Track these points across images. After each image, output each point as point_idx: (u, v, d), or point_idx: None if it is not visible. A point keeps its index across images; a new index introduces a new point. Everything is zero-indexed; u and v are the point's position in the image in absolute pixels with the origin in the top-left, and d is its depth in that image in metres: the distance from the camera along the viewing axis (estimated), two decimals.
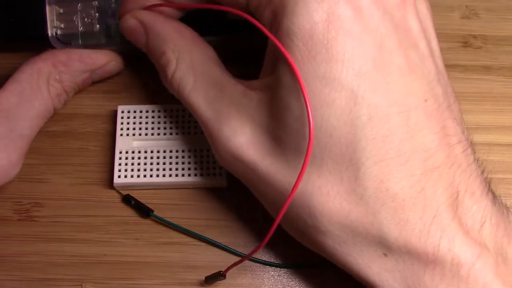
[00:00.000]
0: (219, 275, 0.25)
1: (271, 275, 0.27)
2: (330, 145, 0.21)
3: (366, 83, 0.21)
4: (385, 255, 0.22)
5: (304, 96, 0.21)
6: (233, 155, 0.24)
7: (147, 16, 0.27)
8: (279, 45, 0.21)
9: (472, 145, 0.23)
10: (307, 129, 0.21)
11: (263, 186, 0.24)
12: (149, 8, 0.27)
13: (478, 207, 0.22)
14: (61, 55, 0.28)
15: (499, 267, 0.21)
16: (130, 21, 0.27)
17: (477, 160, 0.23)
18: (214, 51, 0.26)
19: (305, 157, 0.21)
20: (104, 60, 0.29)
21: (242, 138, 0.23)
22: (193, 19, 0.27)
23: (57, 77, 0.28)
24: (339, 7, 0.21)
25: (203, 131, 0.26)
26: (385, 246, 0.22)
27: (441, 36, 0.31)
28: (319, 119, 0.21)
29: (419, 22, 0.23)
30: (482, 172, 0.23)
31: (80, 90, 0.30)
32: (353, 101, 0.21)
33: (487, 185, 0.23)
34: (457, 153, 0.22)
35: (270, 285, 0.27)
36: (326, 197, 0.22)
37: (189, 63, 0.25)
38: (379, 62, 0.21)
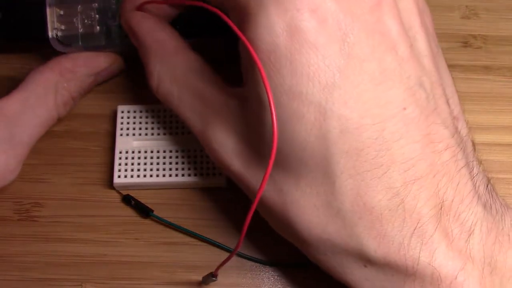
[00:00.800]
0: (211, 276, 0.25)
1: (271, 275, 0.27)
2: (305, 159, 0.21)
3: (334, 96, 0.20)
4: (365, 266, 0.22)
5: (270, 106, 0.20)
6: (221, 164, 0.24)
7: (134, 22, 0.27)
8: (254, 55, 0.20)
9: (465, 146, 0.23)
10: (280, 142, 0.21)
11: (251, 194, 0.24)
12: (141, 7, 0.27)
13: (466, 215, 0.21)
14: (67, 62, 0.28)
15: (485, 278, 0.21)
16: (122, 21, 0.27)
17: (472, 162, 0.23)
18: (199, 59, 0.26)
19: (268, 165, 0.20)
20: (107, 62, 0.29)
21: (227, 150, 0.24)
22: (187, 20, 0.27)
23: (65, 85, 0.28)
24: (302, 19, 0.20)
25: None
26: (364, 258, 0.21)
27: (441, 36, 0.31)
28: (290, 133, 0.21)
29: (399, 23, 0.21)
30: (477, 174, 0.22)
31: (85, 94, 0.30)
32: (322, 115, 0.20)
33: (486, 186, 0.23)
34: (444, 160, 0.21)
35: (270, 285, 0.27)
36: (303, 209, 0.22)
37: (172, 77, 0.25)
38: (347, 73, 0.20)
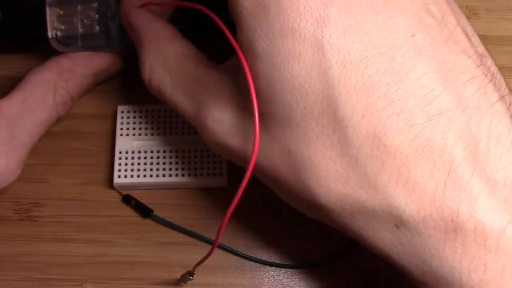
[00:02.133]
0: (188, 275, 0.25)
1: (271, 275, 0.27)
2: (310, 106, 0.19)
3: (330, 28, 0.18)
4: (397, 226, 0.19)
5: (240, 58, 0.19)
6: (221, 145, 0.23)
7: (133, 16, 0.26)
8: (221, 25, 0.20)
9: (497, 80, 0.20)
10: (279, 91, 0.19)
11: (254, 168, 0.22)
12: (144, 5, 0.27)
13: (508, 158, 0.18)
14: (66, 62, 0.28)
15: None
16: (123, 20, 0.27)
17: (508, 97, 0.20)
18: (191, 45, 0.25)
19: (254, 119, 0.19)
20: (106, 62, 0.29)
21: (225, 126, 0.22)
22: (187, 21, 0.27)
23: (64, 84, 0.28)
24: None
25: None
26: (395, 216, 0.19)
27: None
28: (289, 77, 0.19)
29: None
30: (509, 108, 0.19)
31: (84, 94, 0.30)
32: (320, 50, 0.18)
33: None
34: (471, 92, 0.19)
35: (270, 285, 0.27)
36: (318, 167, 0.19)
37: (164, 65, 0.25)
38: (342, 3, 0.18)
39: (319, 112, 0.19)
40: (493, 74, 0.20)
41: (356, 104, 0.18)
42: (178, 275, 0.27)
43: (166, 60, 0.25)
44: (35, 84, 0.27)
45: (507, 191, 0.18)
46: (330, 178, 0.19)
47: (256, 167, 0.21)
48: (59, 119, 0.29)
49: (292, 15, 0.18)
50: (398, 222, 0.19)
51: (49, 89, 0.27)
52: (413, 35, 0.19)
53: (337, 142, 0.19)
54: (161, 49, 0.25)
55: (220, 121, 0.22)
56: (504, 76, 0.31)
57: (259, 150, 0.21)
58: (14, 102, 0.27)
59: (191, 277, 0.25)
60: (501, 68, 0.32)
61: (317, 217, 0.22)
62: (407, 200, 0.18)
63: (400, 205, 0.19)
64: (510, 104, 0.19)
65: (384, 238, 0.19)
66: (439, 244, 0.18)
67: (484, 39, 0.32)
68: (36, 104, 0.27)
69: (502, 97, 0.19)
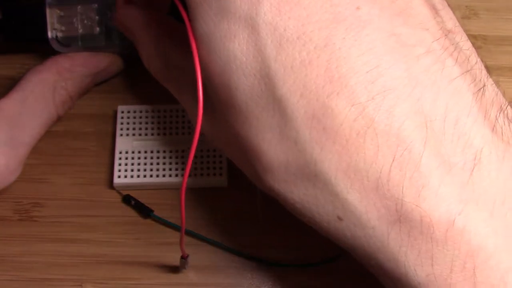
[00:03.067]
0: (182, 259, 0.25)
1: (271, 275, 0.27)
2: (249, 87, 0.18)
3: (265, 5, 0.17)
4: (340, 219, 0.18)
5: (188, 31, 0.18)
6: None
7: (124, 15, 0.26)
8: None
9: (464, 57, 0.18)
10: (219, 74, 0.18)
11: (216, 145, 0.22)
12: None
13: (467, 139, 0.16)
14: (65, 62, 0.28)
15: (497, 222, 0.16)
16: (117, 22, 0.27)
17: (479, 77, 0.18)
18: (172, 26, 0.24)
19: (198, 98, 0.18)
20: (106, 62, 0.29)
21: (193, 113, 0.21)
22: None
23: (63, 84, 0.28)
24: None
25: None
26: (337, 206, 0.17)
27: None
28: (226, 59, 0.18)
29: None
30: (483, 88, 0.18)
31: (84, 94, 0.30)
32: (255, 29, 0.17)
33: (499, 109, 0.18)
34: (424, 67, 0.17)
35: (270, 285, 0.27)
36: (261, 151, 0.18)
37: (156, 53, 0.24)
38: None
39: (257, 94, 0.18)
40: (457, 49, 0.18)
41: (294, 83, 0.17)
42: (178, 275, 0.27)
43: (158, 49, 0.24)
44: (34, 84, 0.27)
45: (464, 177, 0.16)
46: (272, 163, 0.18)
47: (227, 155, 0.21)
48: (59, 119, 0.29)
49: None
50: (341, 213, 0.17)
51: (49, 89, 0.27)
52: (358, 8, 0.17)
53: (277, 124, 0.18)
54: (153, 40, 0.24)
55: (190, 103, 0.22)
56: (504, 76, 0.32)
57: (220, 137, 0.20)
58: (13, 102, 0.27)
59: (185, 260, 0.25)
60: (501, 68, 0.32)
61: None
62: (348, 189, 0.17)
63: (342, 194, 0.17)
64: (475, 80, 0.17)
65: (331, 230, 0.18)
66: (383, 237, 0.17)
67: (484, 39, 0.32)
68: (36, 103, 0.27)
69: (465, 72, 0.17)
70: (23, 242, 0.27)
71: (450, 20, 0.19)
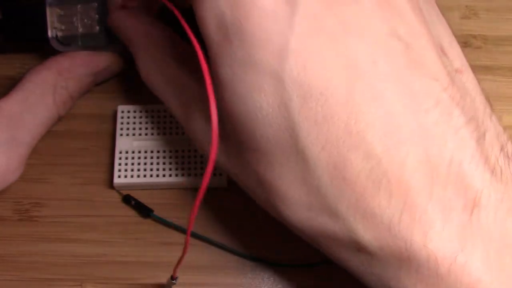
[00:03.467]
0: (171, 280, 0.24)
1: (271, 275, 0.27)
2: (273, 136, 0.19)
3: (290, 62, 0.18)
4: (359, 250, 0.19)
5: (206, 83, 0.19)
6: (205, 153, 0.24)
7: (118, 21, 0.27)
8: (194, 41, 0.20)
9: (469, 100, 0.20)
10: (244, 122, 0.19)
11: (240, 185, 0.23)
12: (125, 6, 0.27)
13: (468, 182, 0.18)
14: (65, 62, 0.28)
15: (492, 258, 0.18)
16: (112, 27, 0.27)
17: (482, 119, 0.20)
18: (184, 47, 0.25)
19: (211, 147, 0.19)
20: (106, 62, 0.29)
21: (207, 138, 0.22)
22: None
23: (63, 84, 0.28)
24: None
25: None
26: (355, 241, 0.19)
27: None
28: (251, 108, 0.19)
29: None
30: (486, 132, 0.19)
31: (84, 94, 0.30)
32: (281, 84, 0.18)
33: (500, 149, 0.19)
34: (435, 119, 0.19)
35: (270, 285, 0.27)
36: (284, 192, 0.20)
37: (156, 68, 0.25)
38: (302, 35, 0.18)
39: (281, 142, 0.19)
40: (464, 93, 0.20)
41: (317, 136, 0.19)
42: (178, 275, 0.27)
43: (157, 63, 0.25)
44: (35, 84, 0.27)
45: (465, 218, 0.18)
46: (295, 203, 0.20)
47: (238, 184, 0.23)
48: (59, 119, 0.29)
49: (254, 48, 0.19)
50: (358, 246, 0.19)
51: (49, 89, 0.27)
52: (375, 62, 0.19)
53: (300, 170, 0.19)
54: (153, 53, 0.25)
55: (202, 131, 0.23)
56: (504, 76, 0.32)
57: (236, 171, 0.22)
58: (14, 102, 0.27)
59: (174, 281, 0.24)
60: (501, 68, 0.32)
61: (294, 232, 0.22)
62: (365, 229, 0.19)
63: (359, 233, 0.19)
64: (478, 126, 0.19)
65: (348, 260, 0.20)
66: (396, 270, 0.19)
67: (484, 39, 0.32)
68: (36, 103, 0.27)
69: (470, 120, 0.19)
70: (23, 242, 0.27)
71: (458, 58, 0.21)
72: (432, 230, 0.18)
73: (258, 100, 0.19)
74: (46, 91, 0.27)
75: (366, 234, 0.19)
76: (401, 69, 0.19)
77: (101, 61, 0.29)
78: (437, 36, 0.21)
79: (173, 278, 0.24)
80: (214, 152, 0.19)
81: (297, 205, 0.20)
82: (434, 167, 0.18)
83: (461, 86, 0.20)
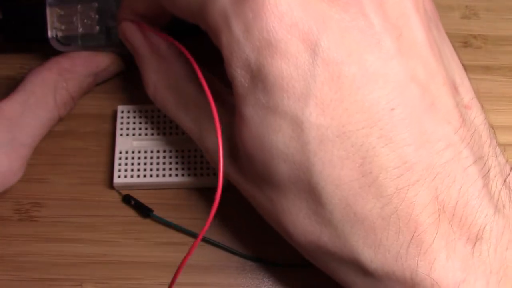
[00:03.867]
0: None
1: (271, 275, 0.27)
2: (287, 172, 0.20)
3: (310, 106, 0.19)
4: (365, 275, 0.21)
5: (211, 104, 0.21)
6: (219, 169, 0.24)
7: (128, 32, 0.27)
8: (201, 77, 0.22)
9: (477, 138, 0.21)
10: (254, 155, 0.21)
11: (251, 202, 0.24)
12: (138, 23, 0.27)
13: (473, 219, 0.20)
14: (65, 62, 0.28)
15: (489, 285, 0.19)
16: (120, 35, 0.27)
17: (487, 156, 0.21)
18: (189, 65, 0.25)
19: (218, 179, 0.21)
20: (106, 62, 0.29)
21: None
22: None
23: (64, 84, 0.28)
24: (269, 31, 0.19)
25: None
26: (362, 268, 0.21)
27: None
28: (269, 147, 0.20)
29: (381, 14, 0.20)
30: (491, 168, 0.21)
31: (85, 94, 0.30)
32: (299, 126, 0.20)
33: (503, 181, 0.21)
34: (446, 160, 0.20)
35: (270, 285, 0.27)
36: (296, 218, 0.21)
37: (166, 85, 0.26)
38: (322, 80, 0.19)
39: (295, 178, 0.20)
40: (473, 132, 0.21)
41: (330, 175, 0.20)
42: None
43: (168, 80, 0.25)
44: (35, 85, 0.27)
45: (467, 251, 0.20)
46: (306, 231, 0.21)
47: (251, 201, 0.24)
48: (60, 120, 0.29)
49: (276, 93, 0.20)
50: (365, 272, 0.21)
51: (50, 90, 0.28)
52: (392, 109, 0.19)
53: (312, 203, 0.20)
54: (162, 69, 0.26)
55: (215, 148, 0.23)
56: (504, 76, 0.32)
57: (250, 188, 0.23)
58: (15, 103, 0.27)
59: None
60: (501, 68, 0.32)
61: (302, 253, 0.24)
62: (372, 258, 0.20)
63: (366, 261, 0.20)
64: (485, 164, 0.21)
65: (354, 283, 0.21)
66: None
67: (484, 39, 0.32)
68: (37, 104, 0.27)
69: (477, 160, 0.20)
70: (23, 242, 0.27)
71: (468, 93, 0.22)
72: (436, 261, 0.19)
73: (276, 140, 0.20)
74: (47, 92, 0.27)
75: (373, 263, 0.20)
76: (417, 113, 0.20)
77: (101, 61, 0.29)
78: (451, 72, 0.22)
79: None
80: (221, 172, 0.21)
81: (307, 233, 0.21)
82: (441, 205, 0.20)
83: (470, 124, 0.21)
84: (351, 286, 0.22)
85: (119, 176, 0.28)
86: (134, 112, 0.29)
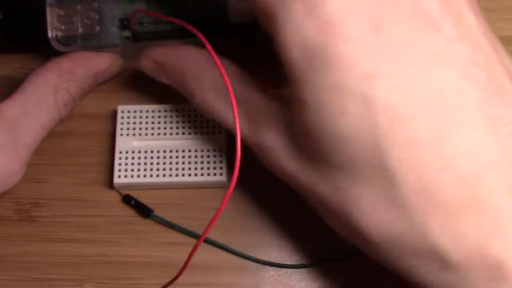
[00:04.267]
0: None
1: (271, 275, 0.27)
2: (357, 156, 0.20)
3: (378, 86, 0.19)
4: (442, 269, 0.20)
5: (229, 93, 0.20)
6: (276, 169, 0.24)
7: (160, 54, 0.27)
8: (218, 63, 0.21)
9: None
10: (322, 142, 0.20)
11: (311, 197, 0.23)
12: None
13: None
14: (66, 63, 0.28)
15: None
16: (146, 63, 0.27)
17: None
18: (235, 65, 0.26)
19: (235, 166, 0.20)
20: (107, 62, 0.29)
21: (278, 152, 0.23)
22: (193, 21, 0.28)
23: (65, 85, 0.28)
24: (331, 12, 0.19)
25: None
26: (440, 260, 0.19)
27: None
28: (336, 130, 0.20)
29: (439, 0, 0.20)
30: None
31: (86, 94, 0.30)
32: (368, 107, 0.19)
33: None
34: None
35: (270, 285, 0.27)
36: (366, 207, 0.20)
37: (213, 90, 0.25)
38: (389, 60, 0.19)
39: (366, 162, 0.20)
40: None
41: (403, 158, 0.19)
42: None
43: (214, 86, 0.25)
44: (36, 86, 0.27)
45: None
46: (377, 220, 0.20)
47: (308, 198, 0.23)
48: (61, 121, 0.29)
49: (340, 72, 0.19)
50: (443, 265, 0.19)
51: (50, 91, 0.28)
52: (461, 92, 0.19)
53: (385, 188, 0.20)
54: (206, 76, 0.25)
55: (273, 147, 0.23)
56: None
57: (313, 182, 0.22)
58: (15, 104, 0.27)
59: None
60: None
61: (366, 251, 0.22)
62: (452, 248, 0.19)
63: (446, 252, 0.19)
64: None
65: (428, 278, 0.20)
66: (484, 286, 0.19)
67: None
68: (38, 106, 0.27)
69: None
70: (23, 242, 0.27)
71: None
72: None
73: (344, 123, 0.19)
74: (47, 93, 0.27)
75: (453, 254, 0.19)
76: (485, 98, 0.19)
77: (101, 61, 0.29)
78: (504, 61, 0.21)
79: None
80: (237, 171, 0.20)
81: (379, 222, 0.20)
82: None
83: None
84: (425, 284, 0.21)
85: (119, 176, 0.28)
86: (134, 112, 0.29)
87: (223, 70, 0.21)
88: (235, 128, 0.21)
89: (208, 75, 0.25)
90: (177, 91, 0.27)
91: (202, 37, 0.23)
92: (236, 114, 0.21)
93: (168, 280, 0.27)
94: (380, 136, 0.19)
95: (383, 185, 0.20)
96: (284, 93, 0.23)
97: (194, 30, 0.23)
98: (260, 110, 0.24)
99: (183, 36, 0.28)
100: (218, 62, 0.21)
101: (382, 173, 0.19)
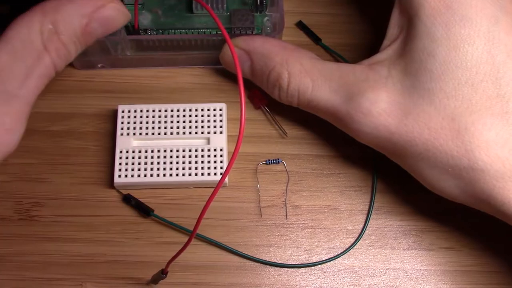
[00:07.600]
0: (161, 274, 0.25)
1: (271, 275, 0.27)
2: (477, 83, 0.23)
3: (500, 26, 0.24)
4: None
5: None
6: (374, 127, 0.25)
7: (245, 42, 0.28)
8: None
9: None
10: (452, 69, 0.23)
11: (401, 150, 0.25)
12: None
13: None
14: (50, 2, 0.25)
15: None
16: (227, 54, 0.29)
17: None
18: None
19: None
20: (109, 10, 0.25)
21: (381, 105, 0.25)
22: None
23: (50, 26, 0.24)
24: None
25: (331, 121, 0.27)
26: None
27: None
28: (463, 57, 0.23)
29: None
30: None
31: (83, 45, 0.26)
32: (491, 41, 0.23)
33: None
34: None
35: (270, 285, 0.27)
36: (480, 132, 0.23)
37: (301, 68, 0.27)
38: (510, 10, 0.24)
39: (483, 88, 0.23)
40: None
41: None
42: (178, 275, 0.27)
43: (302, 65, 0.27)
44: (19, 30, 0.24)
45: None
46: (490, 142, 0.23)
47: (410, 149, 0.25)
48: (58, 117, 0.28)
49: (471, 10, 0.24)
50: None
51: (36, 33, 0.24)
52: None
53: (498, 112, 0.23)
54: (293, 56, 0.27)
55: (376, 101, 0.25)
56: None
57: (424, 124, 0.24)
58: (1, 53, 0.24)
59: (164, 276, 0.24)
60: None
61: (459, 188, 0.25)
62: None
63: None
64: None
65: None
66: None
67: None
68: (26, 51, 0.24)
69: None
70: (23, 242, 0.27)
71: None
72: None
73: (470, 51, 0.23)
74: (33, 36, 0.24)
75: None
76: None
77: (99, 4, 0.25)
78: None
79: (163, 272, 0.24)
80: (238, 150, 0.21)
81: (491, 145, 0.23)
82: None
83: None
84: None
85: (119, 176, 0.28)
86: (134, 111, 0.29)
87: (236, 58, 0.23)
88: (240, 117, 0.22)
89: (294, 58, 0.27)
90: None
91: (224, 32, 0.24)
92: (243, 100, 0.22)
93: (167, 280, 0.27)
94: (498, 65, 0.23)
95: (496, 109, 0.23)
96: (397, 47, 0.25)
97: (220, 25, 0.24)
98: (358, 78, 0.26)
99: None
100: (233, 50, 0.23)
101: (497, 99, 0.23)
